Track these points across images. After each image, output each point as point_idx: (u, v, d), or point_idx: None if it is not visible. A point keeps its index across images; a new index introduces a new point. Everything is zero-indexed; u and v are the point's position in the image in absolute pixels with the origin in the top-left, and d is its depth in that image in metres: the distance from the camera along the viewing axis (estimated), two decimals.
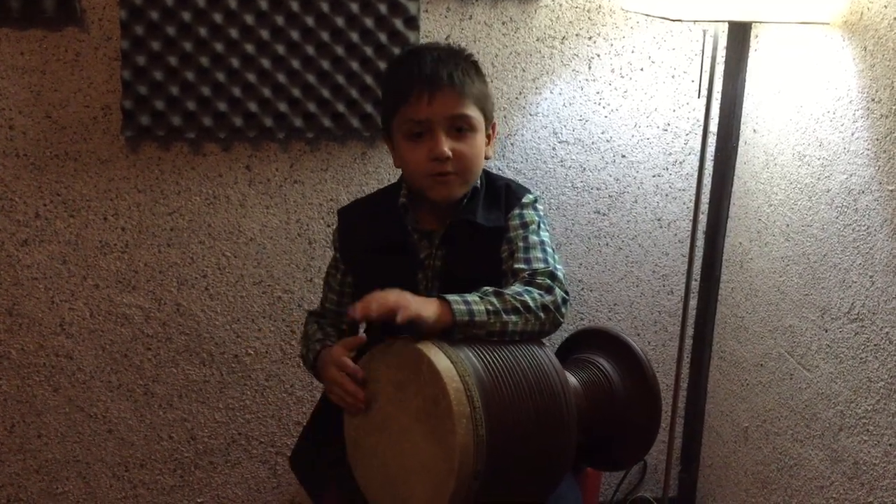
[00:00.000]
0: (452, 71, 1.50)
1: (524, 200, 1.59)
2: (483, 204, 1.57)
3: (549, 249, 1.53)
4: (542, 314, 1.40)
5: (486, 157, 1.59)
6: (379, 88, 1.93)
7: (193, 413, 2.12)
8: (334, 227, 1.73)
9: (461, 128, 1.52)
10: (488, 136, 1.59)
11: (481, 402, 1.28)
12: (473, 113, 1.52)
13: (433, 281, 1.56)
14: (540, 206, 1.61)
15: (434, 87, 1.48)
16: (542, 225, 1.57)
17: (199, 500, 2.18)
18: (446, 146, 1.49)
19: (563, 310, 1.44)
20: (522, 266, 1.48)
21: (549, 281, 1.44)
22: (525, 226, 1.54)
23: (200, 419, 2.13)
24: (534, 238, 1.53)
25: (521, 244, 1.52)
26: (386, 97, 1.62)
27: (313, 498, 1.72)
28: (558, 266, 1.50)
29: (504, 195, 1.59)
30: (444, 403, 1.26)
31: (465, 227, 1.55)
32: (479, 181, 1.60)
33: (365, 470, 1.43)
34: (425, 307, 1.33)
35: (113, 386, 2.08)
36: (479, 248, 1.55)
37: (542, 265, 1.48)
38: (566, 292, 1.45)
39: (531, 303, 1.39)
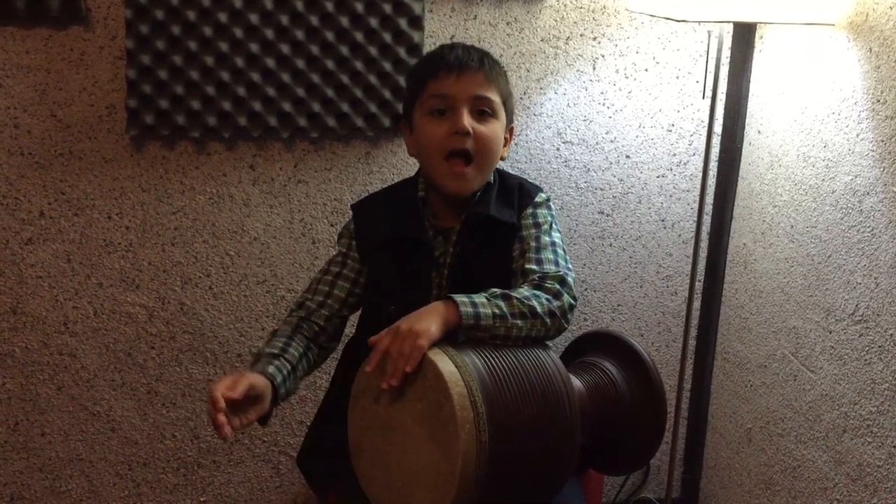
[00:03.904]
0: (483, 56, 1.55)
1: (537, 199, 1.59)
2: (496, 199, 1.57)
3: (561, 251, 1.53)
4: (548, 320, 1.40)
5: (501, 158, 1.60)
6: (383, 88, 1.93)
7: (197, 412, 2.12)
8: (340, 225, 1.72)
9: (484, 110, 1.54)
10: (505, 139, 1.60)
11: (485, 408, 1.27)
12: (497, 99, 1.55)
13: (446, 279, 1.56)
14: (552, 206, 1.61)
15: (463, 67, 1.53)
16: (554, 225, 1.57)
17: (202, 499, 2.19)
18: (468, 122, 1.51)
19: (570, 315, 1.44)
20: (533, 267, 1.48)
21: (558, 286, 1.44)
22: (538, 226, 1.55)
23: (204, 418, 2.13)
24: (546, 239, 1.53)
25: (533, 244, 1.52)
26: (413, 79, 1.63)
27: (319, 497, 1.72)
28: (569, 268, 1.50)
29: (517, 193, 1.59)
30: (447, 408, 1.26)
31: (479, 225, 1.55)
32: (492, 178, 1.60)
33: (367, 471, 1.43)
34: (435, 322, 1.32)
35: (116, 384, 2.08)
36: (493, 247, 1.55)
37: (552, 268, 1.48)
38: (574, 298, 1.45)
39: (538, 308, 1.38)
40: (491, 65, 1.56)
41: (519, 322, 1.36)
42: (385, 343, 1.32)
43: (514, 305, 1.37)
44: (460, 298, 1.35)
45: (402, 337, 1.31)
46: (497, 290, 1.39)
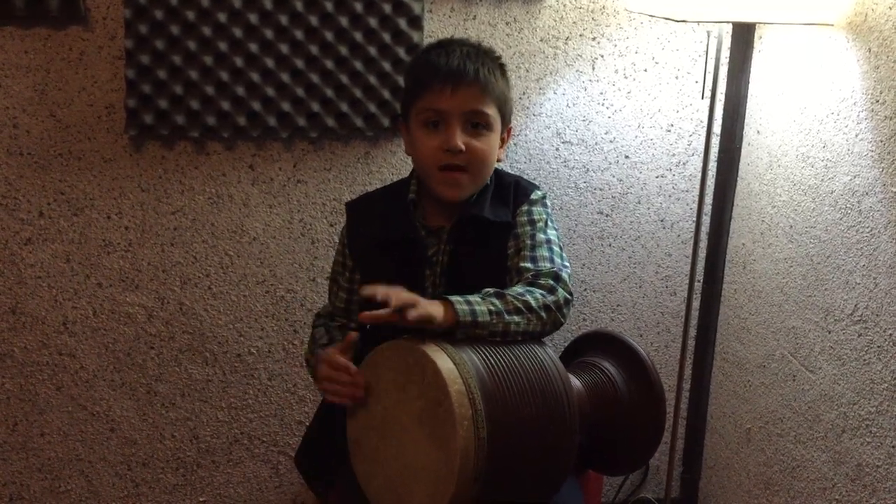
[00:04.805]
0: (479, 67, 1.52)
1: (532, 197, 1.59)
2: (491, 200, 1.57)
3: (556, 248, 1.53)
4: (543, 314, 1.40)
5: (498, 160, 1.60)
6: (382, 88, 1.93)
7: (196, 412, 2.12)
8: (340, 225, 1.73)
9: (478, 124, 1.53)
10: (502, 140, 1.60)
11: (483, 405, 1.28)
12: (492, 112, 1.54)
13: (440, 278, 1.56)
14: (548, 203, 1.61)
15: (458, 80, 1.50)
16: (549, 222, 1.57)
17: (201, 499, 2.18)
18: (460, 140, 1.50)
19: (566, 310, 1.44)
20: (528, 265, 1.48)
21: (552, 282, 1.44)
22: (533, 223, 1.55)
23: (203, 418, 2.13)
24: (541, 236, 1.53)
25: (528, 242, 1.52)
26: (409, 84, 1.63)
27: (318, 497, 1.72)
28: (565, 265, 1.50)
29: (513, 192, 1.60)
30: (445, 405, 1.26)
31: (472, 224, 1.55)
32: (489, 178, 1.60)
33: (366, 469, 1.43)
34: (434, 307, 1.33)
35: (116, 385, 2.08)
36: (487, 245, 1.55)
37: (547, 265, 1.48)
38: (570, 293, 1.45)
39: (533, 303, 1.39)
40: (487, 75, 1.52)
41: (516, 318, 1.37)
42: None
43: (509, 302, 1.37)
44: (455, 298, 1.35)
45: (402, 290, 1.33)
46: (490, 290, 1.39)
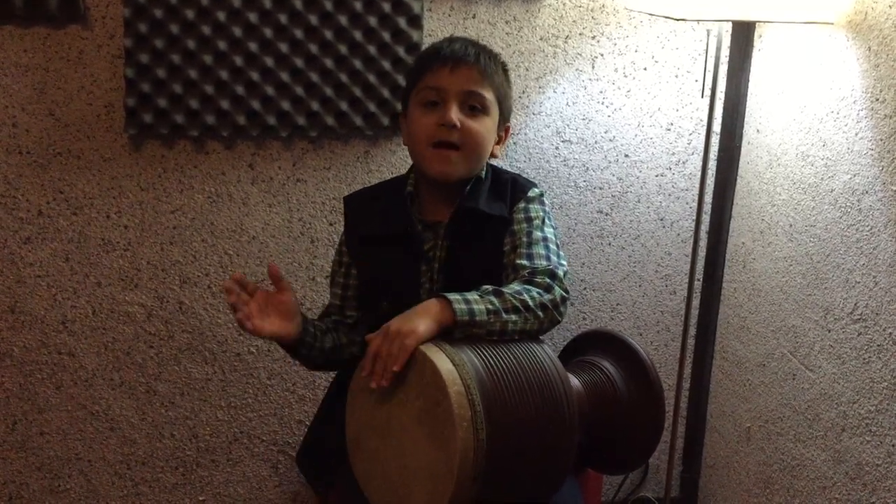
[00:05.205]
0: (480, 52, 1.56)
1: (530, 194, 1.59)
2: (487, 194, 1.57)
3: (553, 246, 1.53)
4: (540, 313, 1.40)
5: (494, 156, 1.60)
6: (382, 87, 1.94)
7: (195, 411, 2.12)
8: (339, 224, 1.73)
9: (475, 106, 1.55)
10: (500, 138, 1.61)
11: (482, 405, 1.27)
12: (489, 96, 1.55)
13: (438, 274, 1.56)
14: (546, 201, 1.61)
15: (458, 61, 1.53)
16: (546, 220, 1.57)
17: (200, 499, 2.18)
18: (456, 116, 1.52)
19: (562, 308, 1.44)
20: (524, 262, 1.48)
21: (548, 280, 1.44)
22: (529, 220, 1.55)
23: (202, 417, 2.13)
24: (537, 234, 1.53)
25: (524, 239, 1.52)
26: (411, 71, 1.66)
27: (319, 496, 1.72)
28: (561, 263, 1.50)
29: (510, 188, 1.60)
30: (444, 406, 1.26)
31: (469, 218, 1.55)
32: (484, 173, 1.60)
33: (365, 468, 1.43)
34: (424, 321, 1.33)
35: (115, 384, 2.08)
36: (484, 240, 1.55)
37: (543, 262, 1.48)
38: (566, 290, 1.45)
39: (530, 302, 1.39)
40: (487, 61, 1.55)
41: (513, 316, 1.37)
42: (375, 345, 1.34)
43: (507, 300, 1.37)
44: (453, 296, 1.35)
45: (390, 338, 1.33)
46: (488, 287, 1.39)
